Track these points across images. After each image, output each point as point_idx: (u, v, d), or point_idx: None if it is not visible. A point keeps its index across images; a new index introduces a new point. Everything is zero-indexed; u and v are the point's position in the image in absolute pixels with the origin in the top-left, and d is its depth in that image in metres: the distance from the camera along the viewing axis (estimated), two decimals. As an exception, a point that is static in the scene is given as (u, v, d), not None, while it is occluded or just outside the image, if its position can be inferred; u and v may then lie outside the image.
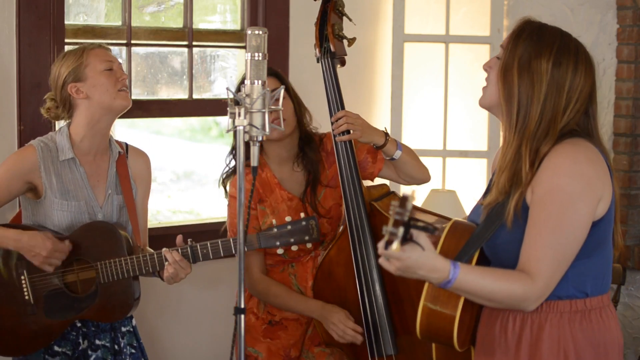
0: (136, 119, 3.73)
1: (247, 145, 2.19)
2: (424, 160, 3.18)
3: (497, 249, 2.20)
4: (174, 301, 3.78)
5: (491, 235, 2.19)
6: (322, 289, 3.02)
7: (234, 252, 2.78)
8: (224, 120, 3.95)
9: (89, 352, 2.93)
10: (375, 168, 3.09)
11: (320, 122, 3.20)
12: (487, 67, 2.30)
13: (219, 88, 4.01)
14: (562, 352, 2.19)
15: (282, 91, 2.24)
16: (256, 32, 2.16)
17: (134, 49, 3.67)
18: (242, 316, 2.17)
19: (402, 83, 4.25)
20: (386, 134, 2.99)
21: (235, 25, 4.02)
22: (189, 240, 2.83)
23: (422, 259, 2.01)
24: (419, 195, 3.58)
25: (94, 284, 2.86)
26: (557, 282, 2.14)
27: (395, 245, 1.90)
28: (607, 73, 4.16)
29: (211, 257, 2.81)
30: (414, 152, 3.09)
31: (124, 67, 3.62)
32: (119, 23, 3.64)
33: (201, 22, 3.92)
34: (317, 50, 3.05)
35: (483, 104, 2.31)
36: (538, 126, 2.16)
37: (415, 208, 3.08)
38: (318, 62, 3.06)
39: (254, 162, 2.20)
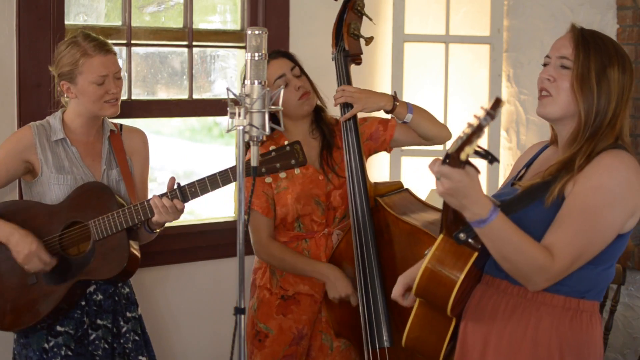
0: (136, 119, 3.73)
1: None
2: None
3: (525, 222, 2.21)
4: (173, 301, 3.78)
5: (523, 208, 2.22)
6: None
7: (220, 184, 2.78)
8: (224, 120, 3.95)
9: (90, 331, 2.97)
10: (387, 135, 3.13)
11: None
12: (550, 77, 2.30)
13: (219, 88, 4.01)
14: (547, 343, 2.23)
15: (282, 92, 2.24)
16: (256, 32, 2.16)
17: (134, 49, 3.67)
18: (242, 316, 2.17)
19: (402, 83, 4.25)
20: (395, 98, 3.01)
21: (235, 25, 4.02)
22: (176, 182, 2.83)
23: (471, 188, 2.02)
24: (420, 194, 3.58)
25: (90, 244, 2.89)
26: (570, 273, 2.18)
27: (472, 147, 1.88)
28: (607, 73, 4.15)
29: (200, 194, 2.81)
30: (428, 112, 3.10)
31: (124, 67, 3.62)
32: (119, 23, 3.64)
33: (201, 22, 3.92)
34: (333, 48, 3.12)
35: (554, 114, 2.31)
36: (605, 128, 2.24)
37: (419, 201, 3.12)
38: (333, 60, 3.11)
39: (254, 162, 2.20)
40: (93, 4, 3.70)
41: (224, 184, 2.77)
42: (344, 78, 3.07)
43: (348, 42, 3.08)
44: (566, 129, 2.31)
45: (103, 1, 3.72)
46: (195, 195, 2.81)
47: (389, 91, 4.25)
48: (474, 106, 4.31)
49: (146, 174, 3.18)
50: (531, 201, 2.23)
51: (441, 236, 2.23)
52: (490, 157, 1.95)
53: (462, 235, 2.15)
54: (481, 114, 1.87)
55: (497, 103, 1.86)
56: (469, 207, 2.05)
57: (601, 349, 2.30)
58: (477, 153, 1.94)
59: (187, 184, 2.81)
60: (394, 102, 3.00)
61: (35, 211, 2.94)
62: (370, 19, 3.16)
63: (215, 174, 2.77)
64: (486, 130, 1.90)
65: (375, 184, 3.07)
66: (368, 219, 2.97)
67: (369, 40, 3.12)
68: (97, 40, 2.96)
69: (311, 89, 3.12)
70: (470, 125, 1.89)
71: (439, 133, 3.12)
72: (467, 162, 1.96)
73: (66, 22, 3.43)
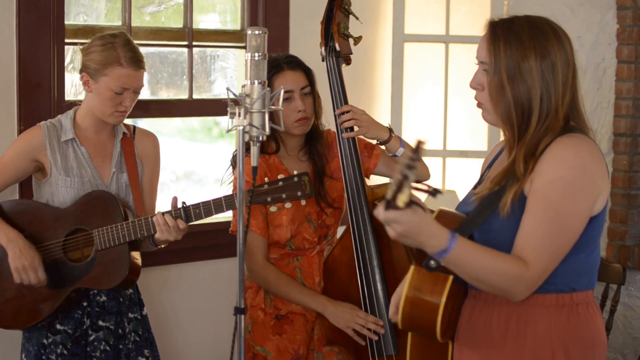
0: (136, 119, 3.73)
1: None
2: (424, 160, 3.18)
3: (490, 235, 2.16)
4: (173, 300, 3.78)
5: (484, 222, 2.17)
6: (326, 287, 3.04)
7: (224, 208, 2.79)
8: (224, 120, 3.95)
9: (89, 332, 2.97)
10: (371, 163, 3.12)
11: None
12: (478, 86, 2.24)
13: (219, 88, 4.01)
14: (549, 346, 2.16)
15: (282, 92, 2.24)
16: (256, 32, 2.16)
17: (134, 49, 3.67)
18: (242, 316, 2.17)
19: (402, 83, 4.25)
20: (390, 130, 3.02)
21: (235, 25, 4.02)
22: (182, 202, 2.83)
23: (423, 223, 1.96)
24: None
25: (92, 252, 2.90)
26: (550, 273, 2.12)
27: (405, 194, 1.83)
28: (607, 73, 4.16)
29: (203, 216, 2.81)
30: None
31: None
32: (119, 23, 3.64)
33: (201, 22, 3.92)
34: (323, 48, 3.07)
35: (492, 122, 2.26)
36: (541, 125, 2.14)
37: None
38: (323, 60, 3.08)
39: (253, 162, 2.20)
40: (93, 4, 3.70)
41: (228, 209, 2.79)
42: (337, 79, 3.03)
43: (339, 42, 3.04)
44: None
45: (103, 1, 3.72)
46: (199, 217, 2.82)
47: (389, 93, 4.25)
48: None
49: (156, 179, 3.16)
50: (489, 213, 2.16)
51: (412, 267, 2.18)
52: (433, 191, 1.92)
53: (432, 263, 2.08)
54: (406, 159, 1.82)
55: (418, 146, 1.82)
56: (427, 242, 2.00)
57: (605, 337, 2.25)
58: (421, 190, 1.92)
59: (192, 205, 2.82)
60: (390, 134, 3.00)
61: (42, 213, 2.96)
62: (357, 18, 3.09)
63: (220, 199, 2.79)
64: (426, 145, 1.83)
65: (372, 187, 3.04)
66: (369, 222, 2.95)
67: (357, 40, 3.07)
68: (134, 52, 2.95)
69: (312, 113, 3.05)
70: (401, 170, 1.83)
71: (422, 173, 3.11)
72: (411, 202, 1.91)
73: (66, 22, 3.43)
